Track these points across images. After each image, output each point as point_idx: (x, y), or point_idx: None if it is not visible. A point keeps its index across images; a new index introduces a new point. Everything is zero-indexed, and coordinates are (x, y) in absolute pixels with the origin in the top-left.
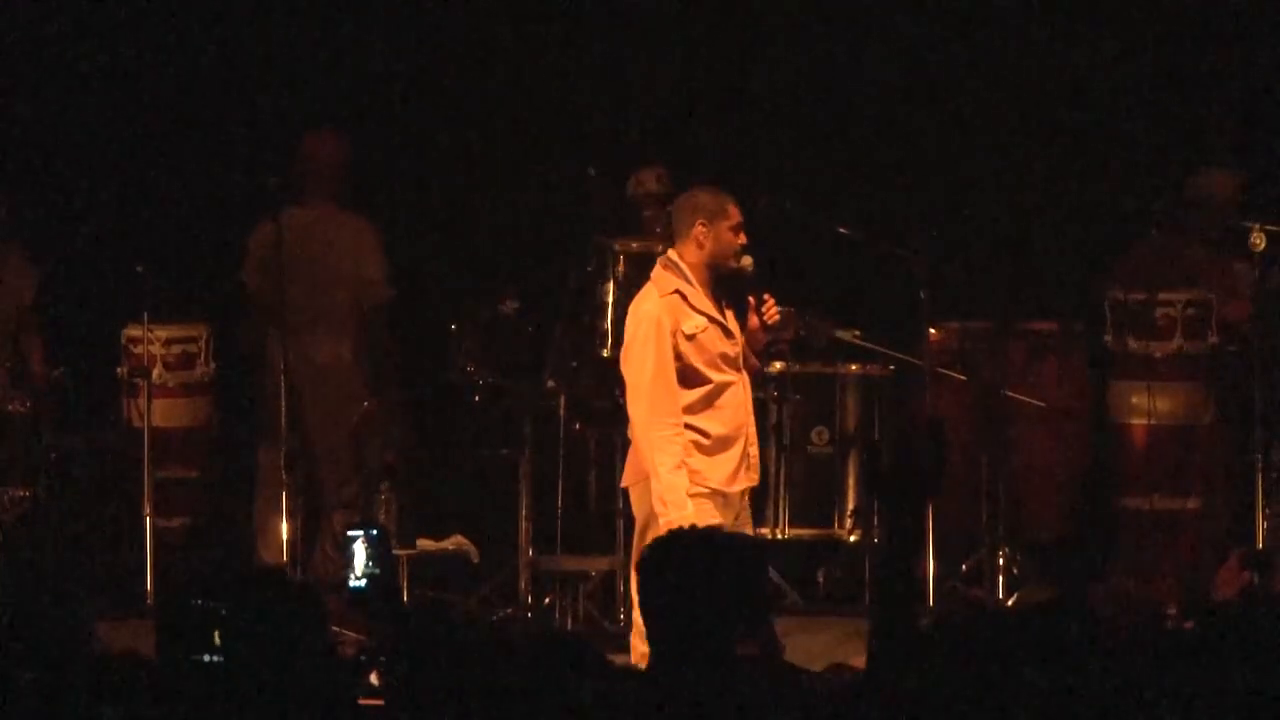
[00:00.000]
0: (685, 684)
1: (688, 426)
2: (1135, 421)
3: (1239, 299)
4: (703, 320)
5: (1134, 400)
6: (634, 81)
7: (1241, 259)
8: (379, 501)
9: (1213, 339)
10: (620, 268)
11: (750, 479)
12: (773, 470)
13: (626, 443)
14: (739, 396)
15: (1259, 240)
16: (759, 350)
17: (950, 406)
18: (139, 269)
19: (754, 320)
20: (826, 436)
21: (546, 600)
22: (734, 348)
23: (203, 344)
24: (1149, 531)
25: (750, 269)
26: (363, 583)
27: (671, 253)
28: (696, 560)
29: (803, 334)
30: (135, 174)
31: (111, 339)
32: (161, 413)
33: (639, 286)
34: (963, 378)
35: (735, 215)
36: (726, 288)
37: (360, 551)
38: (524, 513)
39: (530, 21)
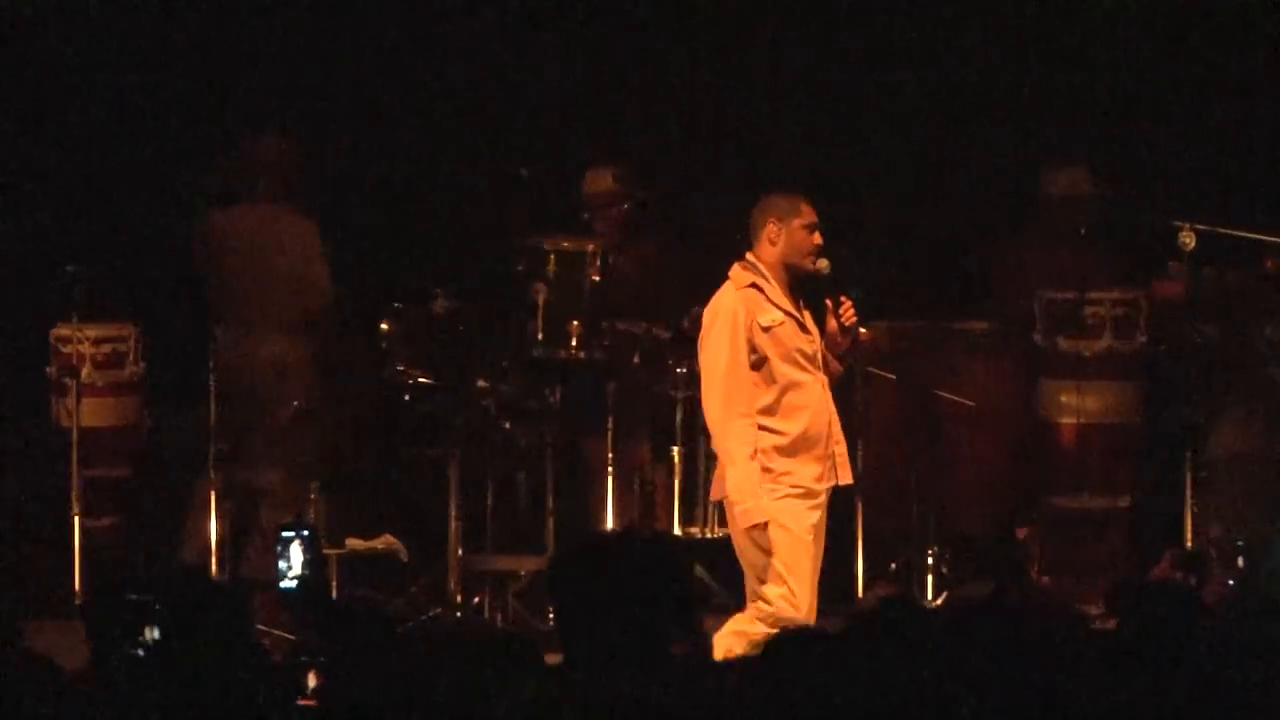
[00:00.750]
0: (616, 683)
1: (765, 429)
2: (1065, 420)
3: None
4: (779, 314)
5: (1063, 399)
6: (580, 80)
7: (1174, 259)
8: (309, 501)
9: (1142, 338)
10: (551, 267)
11: (839, 477)
12: (703, 469)
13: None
14: (818, 395)
15: (1189, 240)
16: (839, 354)
17: (881, 406)
18: (68, 269)
19: (832, 323)
20: None
21: (476, 600)
22: (811, 345)
23: (132, 343)
24: (1078, 530)
25: (826, 270)
26: (294, 583)
27: (749, 255)
28: (619, 563)
29: None
30: (63, 174)
31: (40, 339)
32: (90, 412)
33: (569, 286)
34: (893, 377)
35: (809, 215)
36: (804, 289)
37: (291, 552)
38: (453, 512)
39: (468, 19)
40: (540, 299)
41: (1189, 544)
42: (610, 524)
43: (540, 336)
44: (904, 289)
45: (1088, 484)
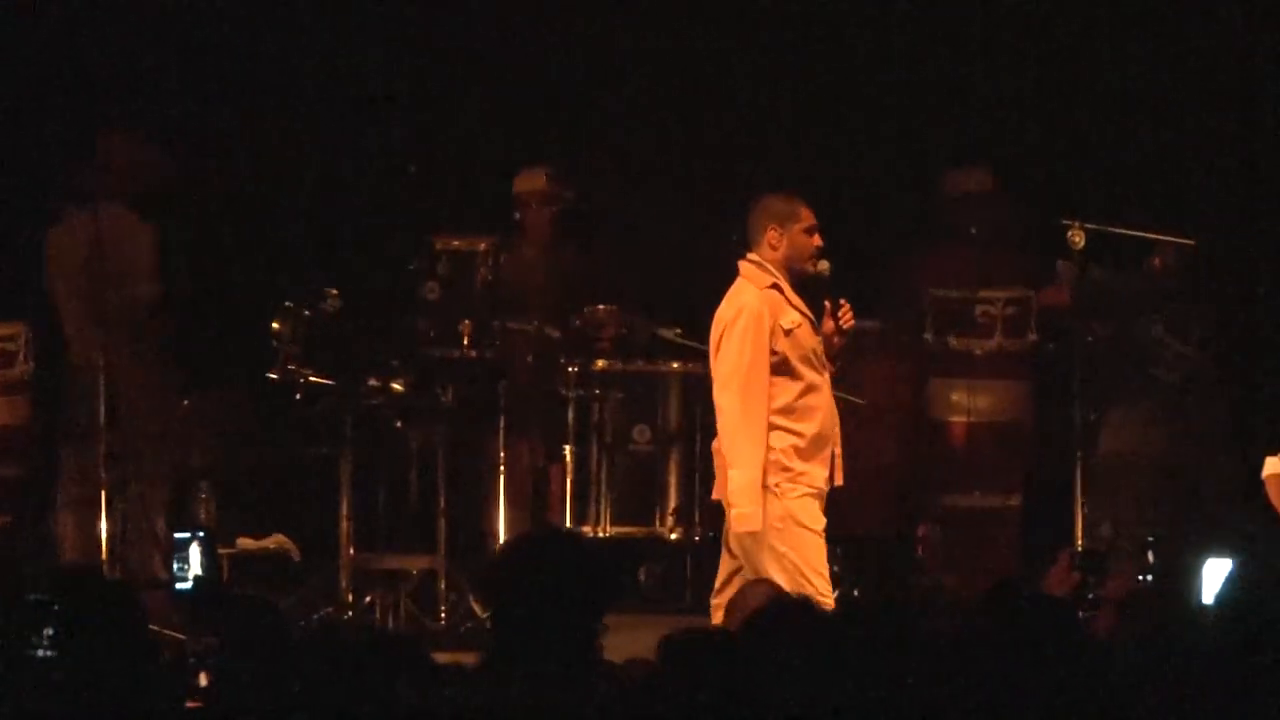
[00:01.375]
0: (512, 683)
1: (784, 429)
2: (955, 419)
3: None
4: (798, 316)
5: (954, 398)
6: (483, 77)
7: (1063, 257)
8: (199, 501)
9: (1032, 336)
10: (442, 266)
11: (836, 479)
12: (594, 468)
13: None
14: (827, 396)
15: (1078, 238)
16: (832, 355)
17: None
18: None
19: (829, 324)
20: (648, 435)
21: (368, 599)
22: (820, 346)
23: (22, 343)
24: (969, 528)
25: (827, 272)
26: (190, 584)
27: (752, 255)
28: (557, 561)
29: (624, 332)
30: None
31: None
32: None
33: (461, 285)
34: None
35: (808, 218)
36: (805, 292)
37: (186, 553)
38: (345, 511)
39: (362, 12)
40: (431, 298)
41: (1079, 543)
42: (502, 523)
43: (432, 336)
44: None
45: (978, 482)
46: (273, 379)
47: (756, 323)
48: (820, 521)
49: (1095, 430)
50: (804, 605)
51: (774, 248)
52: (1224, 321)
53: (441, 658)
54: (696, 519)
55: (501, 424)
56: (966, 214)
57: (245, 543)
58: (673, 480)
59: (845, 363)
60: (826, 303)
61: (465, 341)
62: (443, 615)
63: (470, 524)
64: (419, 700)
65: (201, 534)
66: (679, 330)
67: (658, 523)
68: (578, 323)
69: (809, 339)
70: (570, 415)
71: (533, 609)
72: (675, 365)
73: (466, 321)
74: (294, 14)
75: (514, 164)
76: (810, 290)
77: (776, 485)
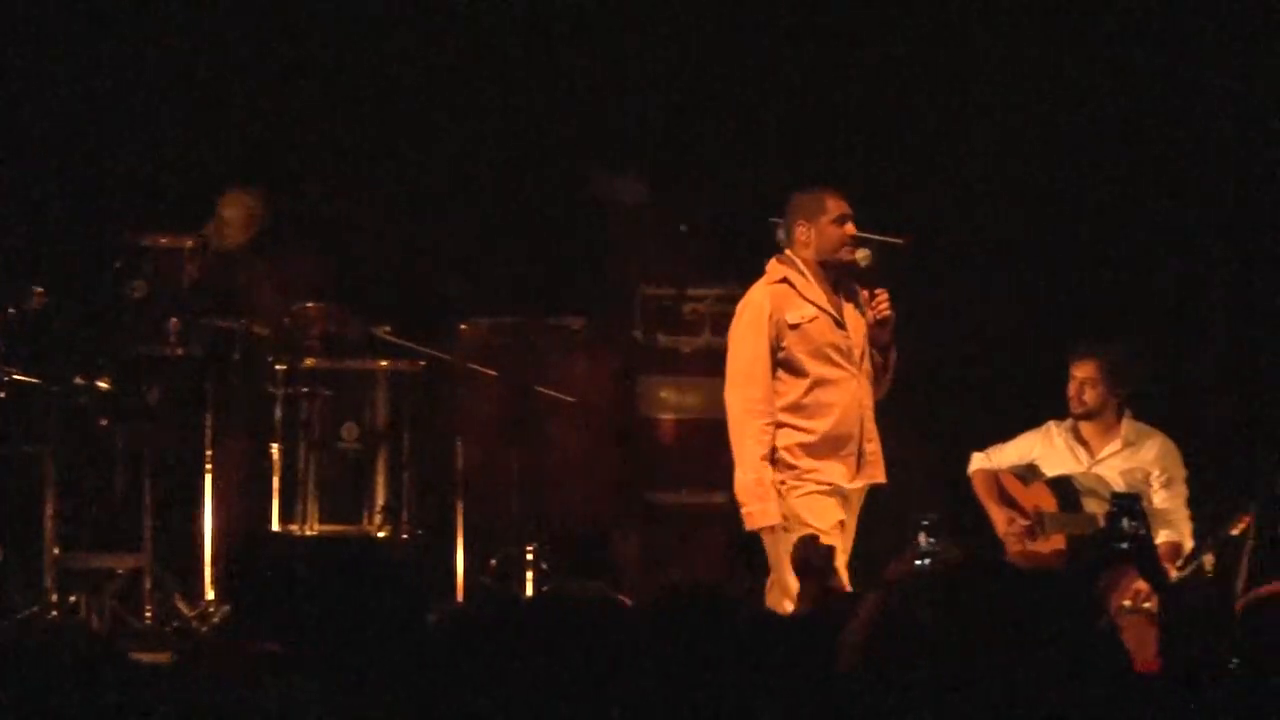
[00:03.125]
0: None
1: (792, 426)
2: (664, 416)
3: None
4: (811, 309)
5: (663, 395)
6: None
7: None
8: None
9: None
10: (149, 264)
11: (871, 475)
12: (301, 466)
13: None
14: (850, 393)
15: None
16: (879, 346)
17: (480, 402)
18: None
19: (869, 316)
20: (356, 433)
21: (73, 599)
22: (847, 341)
23: None
24: (678, 524)
25: (867, 261)
26: None
27: (788, 252)
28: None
29: (334, 330)
30: None
31: None
32: None
33: (168, 283)
34: (493, 373)
35: (835, 209)
36: (848, 283)
37: None
38: (49, 510)
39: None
40: (138, 296)
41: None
42: (208, 522)
43: (138, 333)
44: (502, 285)
45: (687, 480)
46: None
47: (756, 319)
48: (830, 519)
49: None
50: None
51: (805, 244)
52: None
53: (146, 657)
54: (404, 517)
55: (209, 422)
56: (627, 218)
57: None
58: (380, 479)
59: (883, 358)
60: (865, 293)
61: (172, 339)
62: (149, 615)
63: (177, 523)
64: (117, 700)
65: None
66: (388, 328)
67: (365, 521)
68: (287, 321)
69: (825, 334)
70: (278, 413)
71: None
72: (384, 363)
73: (173, 319)
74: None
75: (220, 159)
76: (867, 280)
77: (783, 483)
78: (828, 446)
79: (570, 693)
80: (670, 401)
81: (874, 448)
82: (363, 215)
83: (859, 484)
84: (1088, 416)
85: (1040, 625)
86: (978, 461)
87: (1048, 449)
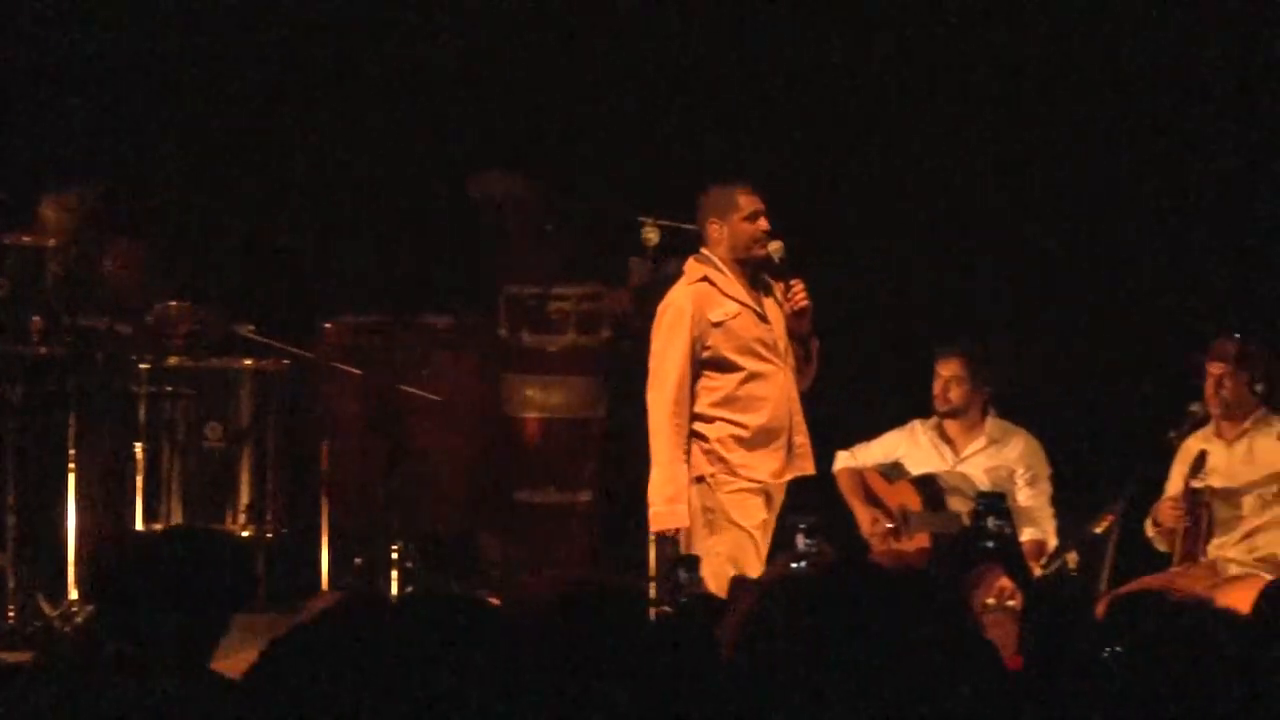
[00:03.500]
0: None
1: (725, 420)
2: (529, 415)
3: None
4: (734, 306)
5: (528, 394)
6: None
7: (636, 254)
8: None
9: (605, 333)
10: (10, 263)
11: (800, 468)
12: (165, 465)
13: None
14: (779, 385)
15: (652, 235)
16: (799, 337)
17: (345, 401)
18: None
19: (786, 307)
20: (220, 432)
21: None
22: (772, 335)
23: None
24: (544, 523)
25: (780, 253)
26: None
27: (704, 250)
28: (179, 560)
29: (198, 328)
30: None
31: None
32: None
33: (31, 281)
34: (357, 372)
35: (747, 205)
36: (765, 277)
37: None
38: None
39: None
40: (0, 294)
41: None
42: (72, 522)
43: (1, 332)
44: (368, 284)
45: (552, 478)
46: None
47: (677, 320)
48: (755, 517)
49: None
50: (374, 600)
51: (718, 241)
52: None
53: (8, 657)
54: (268, 516)
55: (72, 421)
56: (493, 216)
57: None
58: (245, 478)
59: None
60: (781, 285)
61: (35, 338)
62: (11, 615)
63: (40, 522)
64: None
65: None
66: (251, 327)
67: (229, 520)
68: (150, 319)
69: (749, 329)
70: (142, 412)
71: (152, 606)
72: (249, 362)
73: (36, 318)
74: None
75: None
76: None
77: (713, 476)
78: (760, 440)
79: (437, 693)
80: (535, 400)
81: (802, 440)
82: (224, 212)
83: (787, 478)
84: (953, 415)
85: (907, 625)
86: (842, 460)
87: (913, 447)
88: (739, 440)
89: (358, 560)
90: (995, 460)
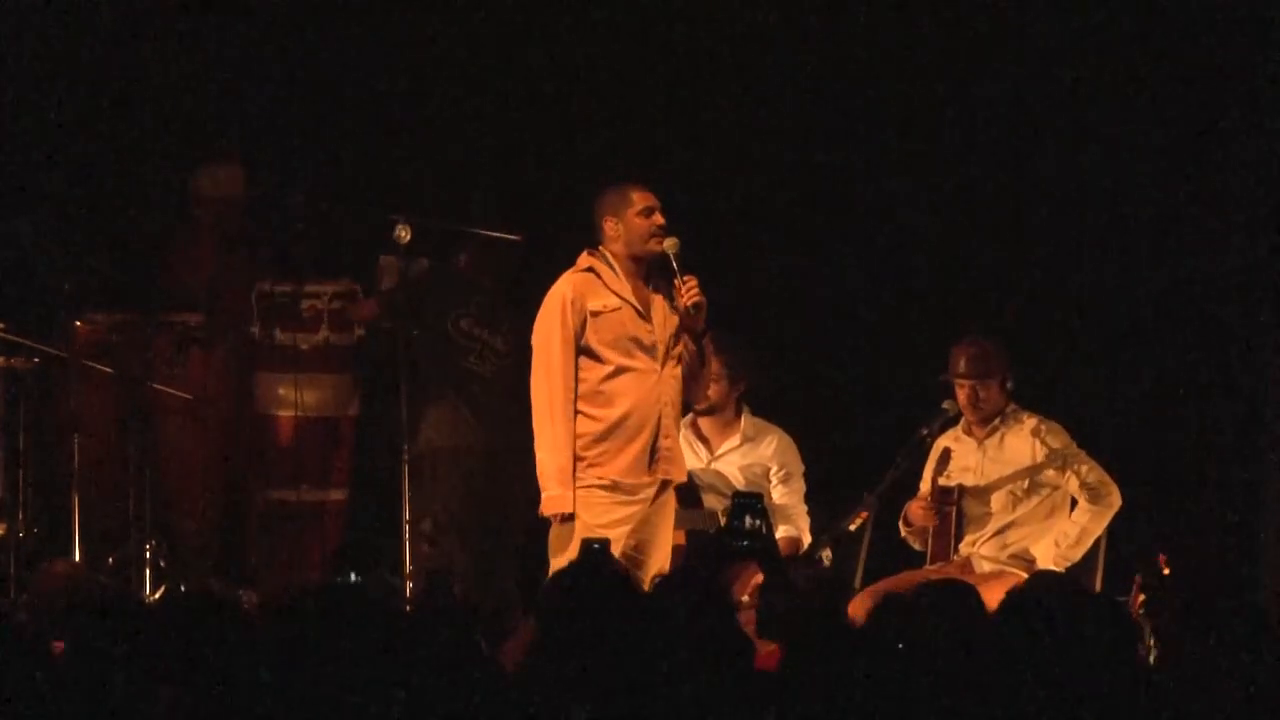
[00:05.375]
0: None
1: (584, 414)
2: (282, 413)
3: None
4: (614, 300)
5: (281, 392)
6: None
7: (387, 253)
8: None
9: (359, 331)
10: None
11: (664, 472)
12: None
13: None
14: (649, 385)
15: (404, 234)
16: (694, 333)
17: (96, 399)
18: None
19: (679, 302)
20: None
21: None
22: (650, 335)
23: None
24: (294, 522)
25: (675, 249)
26: None
27: (602, 247)
28: None
29: None
30: None
31: None
32: None
33: None
34: (108, 370)
35: (640, 201)
36: (660, 279)
37: None
38: None
39: None
40: None
41: (406, 536)
42: None
43: None
44: (117, 281)
45: (305, 476)
46: None
47: (557, 306)
48: (605, 517)
49: (414, 424)
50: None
51: (614, 238)
52: None
53: None
54: (19, 515)
55: None
56: (221, 213)
57: None
58: None
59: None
60: (676, 283)
61: None
62: None
63: None
64: None
65: None
66: (2, 325)
67: None
68: None
69: (626, 325)
70: None
71: None
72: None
73: None
74: None
75: None
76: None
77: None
78: (616, 436)
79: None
80: (288, 398)
81: (670, 444)
82: None
83: (646, 479)
84: (709, 412)
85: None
86: None
87: None
88: (594, 435)
89: (110, 559)
90: (750, 458)
